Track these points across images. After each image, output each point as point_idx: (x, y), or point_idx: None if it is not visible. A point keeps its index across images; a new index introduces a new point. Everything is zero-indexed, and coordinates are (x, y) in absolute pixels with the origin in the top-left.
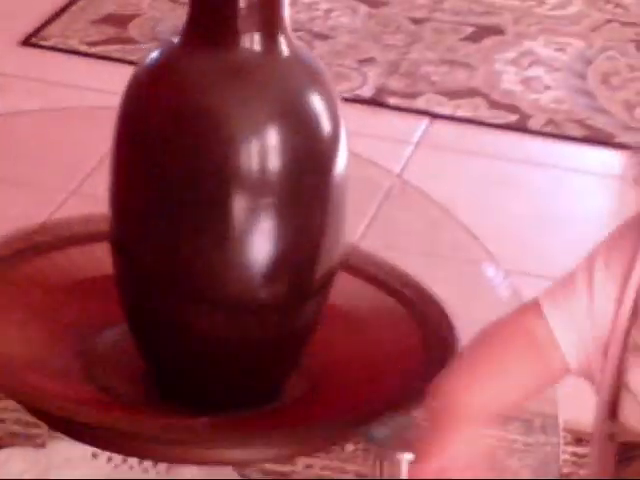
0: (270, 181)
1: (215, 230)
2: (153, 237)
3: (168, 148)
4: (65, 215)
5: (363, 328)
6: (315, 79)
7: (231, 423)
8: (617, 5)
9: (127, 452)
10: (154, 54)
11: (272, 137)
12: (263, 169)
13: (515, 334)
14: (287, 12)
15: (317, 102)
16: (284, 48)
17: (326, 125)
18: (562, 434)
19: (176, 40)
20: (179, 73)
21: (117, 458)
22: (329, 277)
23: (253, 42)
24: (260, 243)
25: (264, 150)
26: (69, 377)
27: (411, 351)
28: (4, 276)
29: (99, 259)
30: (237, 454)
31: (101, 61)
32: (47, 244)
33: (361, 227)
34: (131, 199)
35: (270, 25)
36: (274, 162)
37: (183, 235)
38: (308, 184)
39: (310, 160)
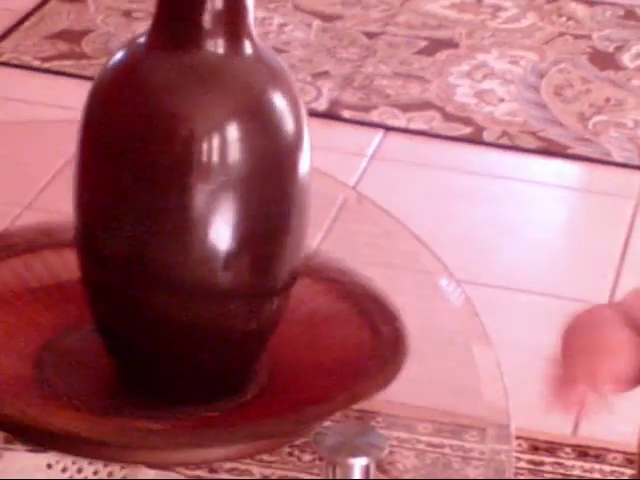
0: (232, 177)
1: (177, 224)
2: (116, 232)
3: (131, 146)
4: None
5: (318, 329)
6: (279, 80)
7: (188, 425)
8: (569, 18)
9: (85, 456)
10: (119, 54)
11: (233, 134)
12: (224, 165)
13: None
14: (252, 16)
15: (280, 102)
16: (248, 50)
17: (289, 124)
18: (518, 442)
19: (141, 41)
20: (143, 73)
21: (72, 469)
22: (291, 275)
23: (217, 45)
24: (221, 236)
25: (225, 147)
26: (25, 382)
27: (363, 350)
28: None
29: (56, 266)
30: (195, 455)
31: (55, 76)
32: (3, 251)
33: (317, 239)
34: (95, 194)
35: (235, 28)
36: (235, 158)
37: (146, 229)
38: (270, 180)
39: (272, 157)
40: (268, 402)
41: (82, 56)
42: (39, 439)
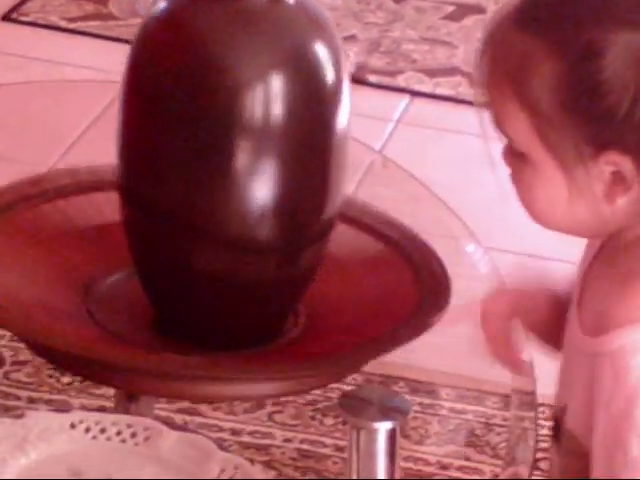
0: (273, 127)
1: (218, 172)
2: (160, 179)
3: (175, 95)
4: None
5: (359, 274)
6: (320, 29)
7: (229, 359)
8: None
9: (127, 387)
10: (163, 4)
11: (276, 84)
12: (266, 115)
13: None
14: None
15: (321, 51)
16: None
17: (330, 73)
18: (540, 409)
19: None
20: (186, 21)
21: (95, 429)
22: (328, 225)
23: None
24: (261, 186)
25: (268, 97)
26: (74, 318)
27: (405, 295)
28: (11, 221)
29: (103, 207)
30: (233, 390)
31: (80, 37)
32: (53, 191)
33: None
34: (139, 143)
35: None
36: (277, 108)
37: (189, 179)
38: (311, 131)
39: (314, 107)
40: (309, 343)
41: (108, 17)
42: (86, 371)
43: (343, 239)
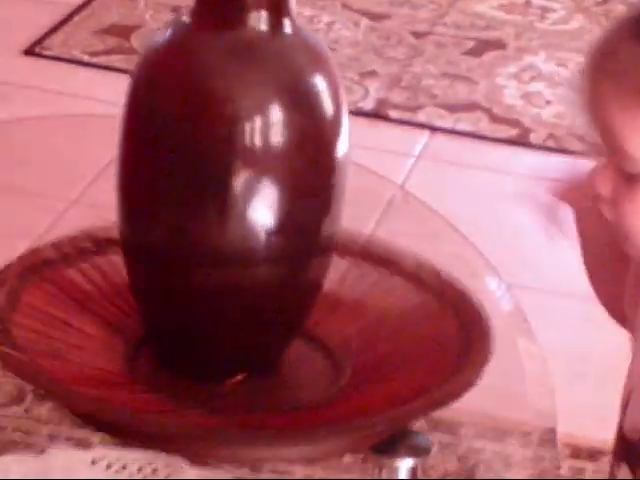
0: (272, 157)
1: (218, 202)
2: (160, 208)
3: (174, 124)
4: (67, 224)
5: (400, 323)
6: (318, 60)
7: (256, 423)
8: None
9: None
10: (164, 33)
11: (275, 114)
12: (265, 145)
13: None
14: None
15: (320, 82)
16: (289, 29)
17: (327, 104)
18: (559, 448)
19: (185, 19)
20: (187, 51)
21: (116, 465)
22: (327, 253)
23: (260, 22)
24: (260, 216)
25: (266, 127)
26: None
27: (448, 346)
28: (52, 278)
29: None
30: (264, 453)
31: (103, 71)
32: (90, 250)
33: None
34: (139, 173)
35: (276, 6)
36: (276, 138)
37: (188, 208)
38: (309, 161)
39: (312, 137)
40: (356, 396)
41: (131, 51)
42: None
43: (384, 289)
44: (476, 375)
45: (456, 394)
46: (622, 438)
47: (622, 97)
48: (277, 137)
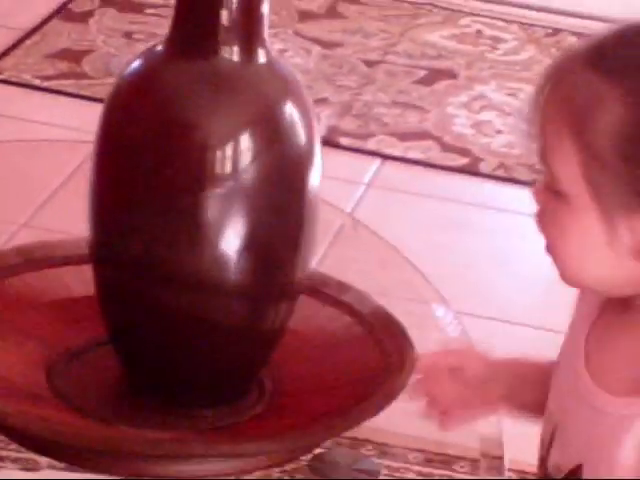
0: (243, 185)
1: (188, 230)
2: (130, 237)
3: (146, 152)
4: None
5: (326, 347)
6: (291, 90)
7: (194, 436)
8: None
9: (92, 468)
10: (137, 62)
11: (246, 143)
12: (236, 173)
13: None
14: (266, 25)
15: (292, 112)
16: (262, 59)
17: (301, 134)
18: (508, 474)
19: (158, 49)
20: (160, 80)
21: None
22: (298, 281)
23: (232, 53)
24: (231, 242)
25: (238, 156)
26: (36, 391)
27: (371, 368)
28: None
29: (70, 282)
30: (203, 467)
31: (54, 95)
32: (21, 266)
33: (312, 265)
34: (109, 200)
35: (249, 37)
36: (247, 167)
37: (159, 235)
38: (281, 189)
39: (284, 167)
40: (275, 415)
41: (82, 76)
42: (50, 449)
43: (305, 312)
44: (389, 399)
45: (369, 414)
46: (547, 470)
47: (556, 114)
48: (247, 165)
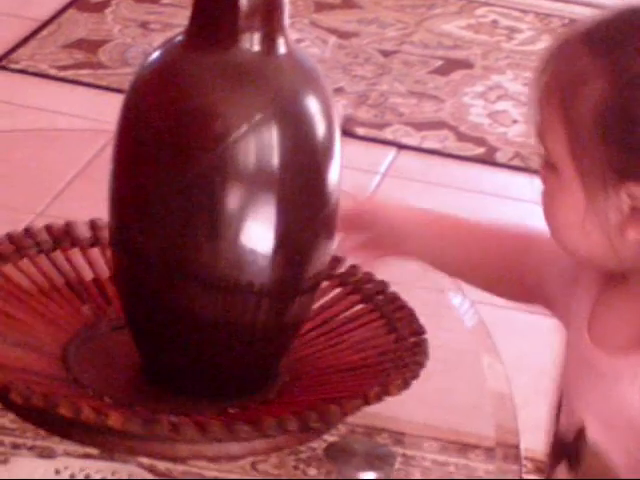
0: (264, 176)
1: (209, 220)
2: (151, 225)
3: (167, 144)
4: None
5: (338, 332)
6: (311, 80)
7: (213, 418)
8: None
9: (108, 448)
10: (157, 52)
11: (267, 134)
12: (257, 164)
13: None
14: (287, 15)
15: (312, 101)
16: (282, 49)
17: (321, 124)
18: (523, 463)
19: (178, 39)
20: (180, 71)
21: (79, 475)
22: (318, 275)
23: (253, 43)
24: (252, 234)
25: (258, 146)
26: (51, 377)
27: (384, 352)
28: None
29: (79, 264)
30: (219, 449)
31: (70, 85)
32: (31, 248)
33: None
34: (130, 190)
35: (270, 27)
36: (268, 158)
37: (179, 228)
38: (302, 179)
39: (304, 157)
40: (290, 400)
41: (98, 66)
42: (68, 432)
43: (327, 299)
44: (404, 384)
45: (377, 398)
46: (557, 438)
47: (549, 90)
48: (269, 156)
